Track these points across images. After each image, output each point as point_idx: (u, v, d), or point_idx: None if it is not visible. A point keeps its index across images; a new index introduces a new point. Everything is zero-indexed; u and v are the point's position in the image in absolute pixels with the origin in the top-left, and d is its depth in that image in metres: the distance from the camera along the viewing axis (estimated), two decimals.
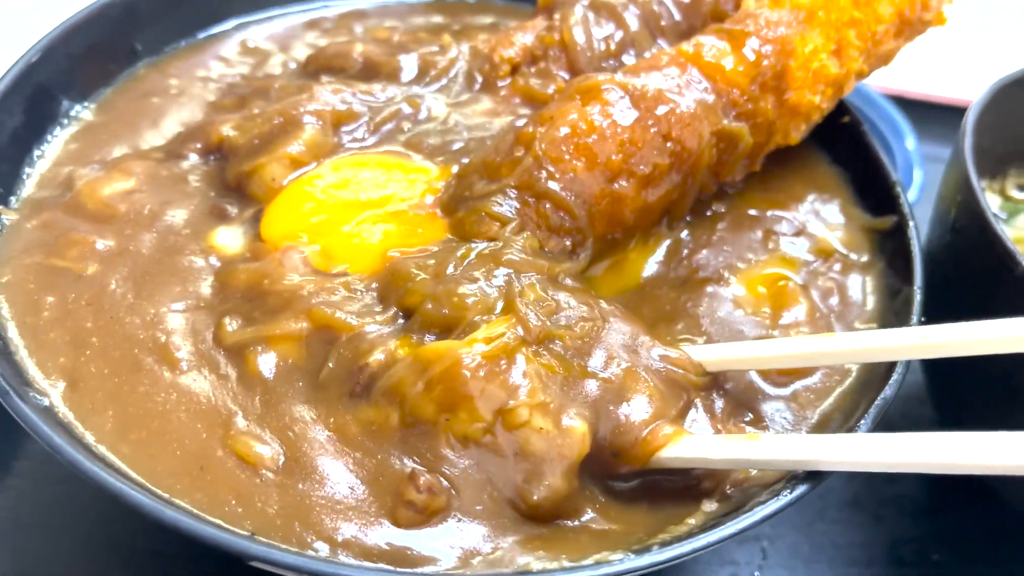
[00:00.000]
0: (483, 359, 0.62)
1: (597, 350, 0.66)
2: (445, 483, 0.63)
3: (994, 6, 1.88)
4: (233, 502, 0.62)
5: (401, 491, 0.62)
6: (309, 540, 0.61)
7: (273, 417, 0.66)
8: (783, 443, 0.63)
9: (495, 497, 0.63)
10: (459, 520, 0.63)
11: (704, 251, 0.84)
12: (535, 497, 0.62)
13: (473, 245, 0.73)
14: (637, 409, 0.64)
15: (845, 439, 0.63)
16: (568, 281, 0.72)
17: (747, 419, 0.71)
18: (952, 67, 1.60)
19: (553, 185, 0.74)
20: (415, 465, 0.63)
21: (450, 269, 0.70)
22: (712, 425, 0.69)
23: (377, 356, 0.65)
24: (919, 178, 1.28)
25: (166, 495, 0.62)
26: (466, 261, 0.70)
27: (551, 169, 0.75)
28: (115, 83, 0.97)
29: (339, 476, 0.64)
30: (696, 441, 0.64)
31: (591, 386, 0.65)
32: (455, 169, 0.82)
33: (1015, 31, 1.81)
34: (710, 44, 0.84)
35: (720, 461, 0.63)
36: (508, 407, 0.61)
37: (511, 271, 0.70)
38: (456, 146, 0.86)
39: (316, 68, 0.96)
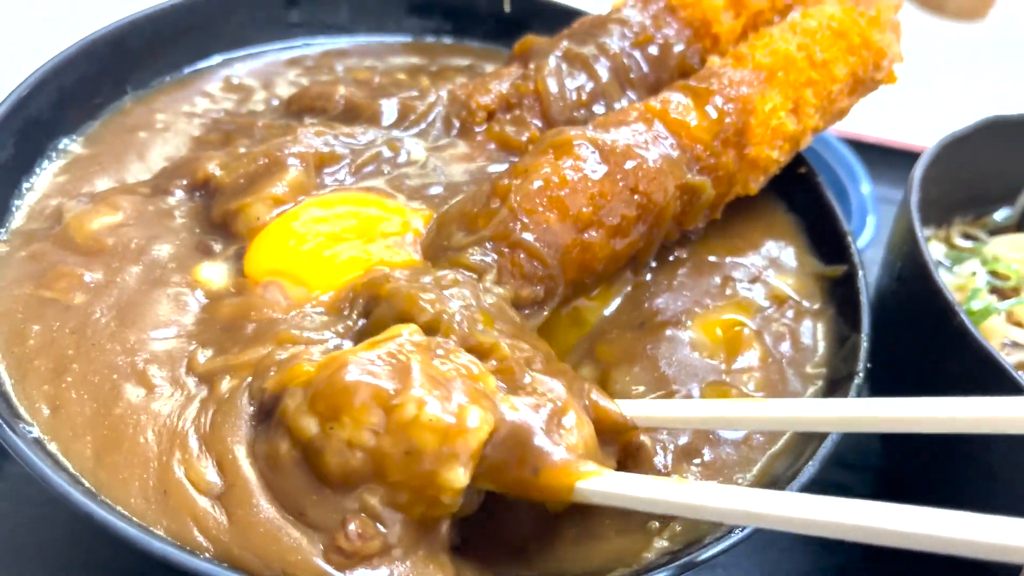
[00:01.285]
0: (368, 359, 0.62)
1: (536, 376, 0.67)
2: (380, 526, 0.62)
3: (946, 59, 1.97)
4: (193, 528, 0.64)
5: (333, 535, 0.62)
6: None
7: (218, 442, 0.67)
8: (711, 492, 0.60)
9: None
10: (396, 561, 0.62)
11: (665, 295, 0.88)
12: (444, 500, 0.61)
13: (451, 273, 0.76)
14: (565, 436, 0.64)
15: (776, 497, 0.58)
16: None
17: (697, 462, 0.75)
18: (906, 114, 1.68)
19: (527, 236, 0.79)
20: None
21: (425, 279, 0.73)
22: (662, 465, 0.73)
23: (281, 377, 0.66)
24: (873, 222, 1.34)
25: (142, 523, 0.63)
26: (442, 280, 0.74)
27: (525, 220, 0.79)
28: (102, 116, 0.99)
29: (269, 509, 0.64)
30: (620, 478, 0.63)
31: (521, 405, 0.64)
32: (434, 212, 0.86)
33: (965, 81, 1.89)
34: (676, 101, 0.89)
35: (644, 501, 0.61)
36: (392, 403, 0.60)
37: (472, 296, 0.72)
38: (434, 189, 0.90)
39: (299, 108, 1.00)
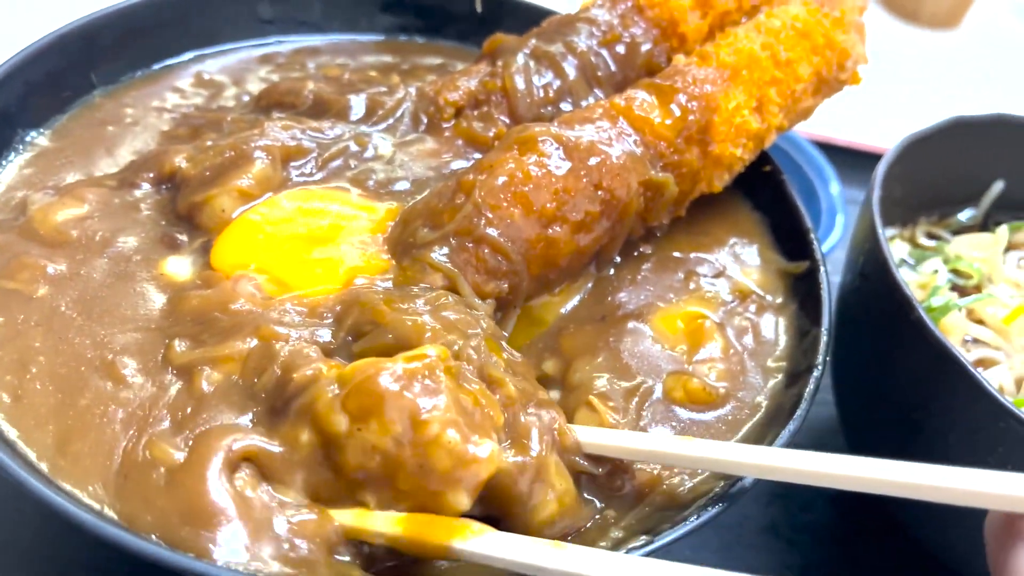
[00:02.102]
0: (403, 373, 0.64)
1: (529, 420, 0.70)
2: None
3: (919, 65, 2.00)
4: (143, 505, 0.64)
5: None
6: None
7: (195, 424, 0.68)
8: (585, 556, 0.61)
9: None
10: None
11: (628, 290, 0.89)
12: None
13: (421, 289, 0.78)
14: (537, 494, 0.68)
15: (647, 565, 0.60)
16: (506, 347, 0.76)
17: None
18: (877, 118, 1.70)
19: (491, 231, 0.79)
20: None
21: (416, 305, 0.74)
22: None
23: (305, 372, 0.68)
24: (842, 222, 1.36)
25: (98, 507, 0.64)
26: (418, 301, 0.75)
27: (490, 216, 0.79)
28: (70, 110, 1.00)
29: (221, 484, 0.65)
30: (502, 539, 0.64)
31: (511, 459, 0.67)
32: (400, 207, 0.87)
33: (938, 87, 1.92)
34: (640, 98, 0.90)
35: (521, 565, 0.62)
36: (420, 419, 0.63)
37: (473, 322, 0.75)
38: (400, 184, 0.90)
39: (268, 103, 1.00)
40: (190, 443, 0.66)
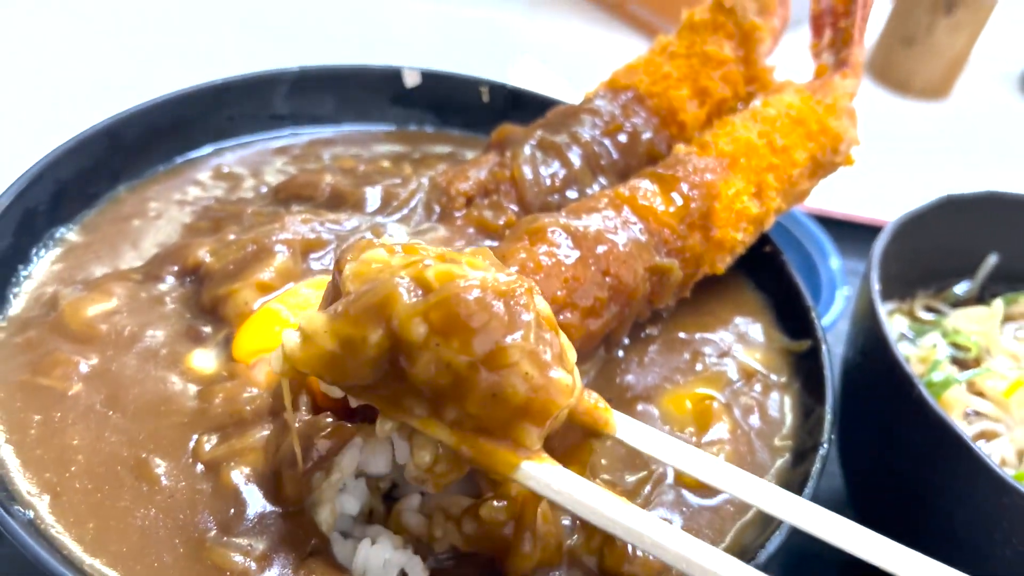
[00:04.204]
0: (494, 292, 0.62)
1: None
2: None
3: (912, 135, 2.06)
4: None
5: None
6: None
7: (244, 525, 0.72)
8: (649, 522, 0.62)
9: None
10: None
11: (636, 371, 0.92)
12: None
13: None
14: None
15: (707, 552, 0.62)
16: None
17: None
18: (874, 189, 1.74)
19: None
20: None
21: None
22: None
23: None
24: (843, 294, 1.39)
25: None
26: None
27: None
28: (97, 206, 1.04)
29: None
30: (567, 475, 0.64)
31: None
32: None
33: (930, 157, 1.97)
34: (644, 188, 0.94)
35: (583, 506, 0.63)
36: (503, 344, 0.61)
37: None
38: None
39: (287, 196, 1.04)
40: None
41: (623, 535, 0.63)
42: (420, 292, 0.62)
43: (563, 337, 0.67)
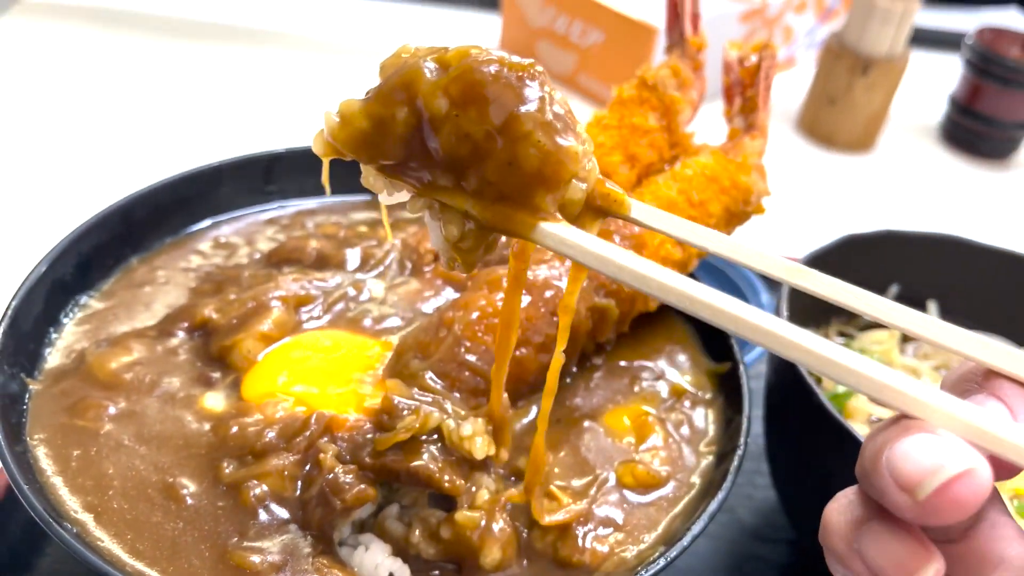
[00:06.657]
0: (508, 67, 0.66)
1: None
2: None
3: (838, 185, 2.26)
4: None
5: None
6: None
7: (262, 532, 0.87)
8: (653, 269, 0.64)
9: None
10: None
11: (581, 395, 1.08)
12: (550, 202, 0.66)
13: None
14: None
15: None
16: None
17: (610, 529, 0.94)
18: (801, 233, 1.94)
19: (470, 357, 0.98)
20: None
21: None
22: (583, 534, 0.92)
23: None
24: None
25: None
26: None
27: (468, 345, 0.99)
28: (114, 275, 1.19)
29: None
30: (582, 235, 0.67)
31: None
32: (394, 340, 1.07)
33: (855, 204, 2.17)
34: None
35: (596, 257, 0.66)
36: (517, 113, 0.65)
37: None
38: (392, 321, 1.11)
39: (278, 260, 1.21)
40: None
41: (630, 280, 0.65)
42: (442, 71, 0.67)
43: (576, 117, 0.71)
